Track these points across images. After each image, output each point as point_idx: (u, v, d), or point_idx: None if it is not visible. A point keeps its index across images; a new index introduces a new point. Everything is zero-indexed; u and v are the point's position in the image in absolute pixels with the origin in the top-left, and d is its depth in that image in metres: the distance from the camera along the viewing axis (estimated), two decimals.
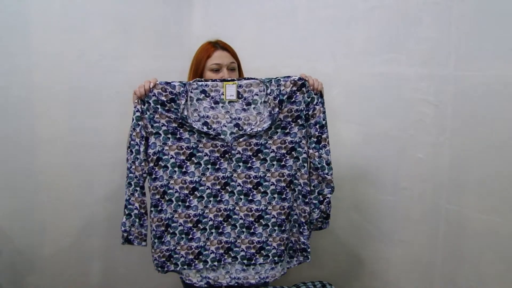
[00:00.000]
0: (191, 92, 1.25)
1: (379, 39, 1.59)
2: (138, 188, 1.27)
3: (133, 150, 1.25)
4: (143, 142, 1.24)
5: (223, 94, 1.26)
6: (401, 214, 1.65)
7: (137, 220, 1.29)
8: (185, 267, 1.30)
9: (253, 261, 1.32)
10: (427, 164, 1.55)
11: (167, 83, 1.23)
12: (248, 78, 1.27)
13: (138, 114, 1.24)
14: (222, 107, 1.27)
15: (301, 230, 1.32)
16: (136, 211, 1.28)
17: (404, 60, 1.55)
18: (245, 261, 1.32)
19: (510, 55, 1.33)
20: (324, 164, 1.29)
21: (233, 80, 1.27)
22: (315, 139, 1.28)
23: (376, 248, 1.70)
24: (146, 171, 1.27)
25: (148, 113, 1.23)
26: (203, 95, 1.26)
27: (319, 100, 1.27)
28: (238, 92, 1.26)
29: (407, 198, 1.62)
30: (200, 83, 1.25)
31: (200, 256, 1.30)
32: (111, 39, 1.71)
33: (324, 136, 1.28)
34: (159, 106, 1.23)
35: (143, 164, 1.25)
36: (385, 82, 1.61)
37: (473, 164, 1.45)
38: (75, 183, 1.69)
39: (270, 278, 1.34)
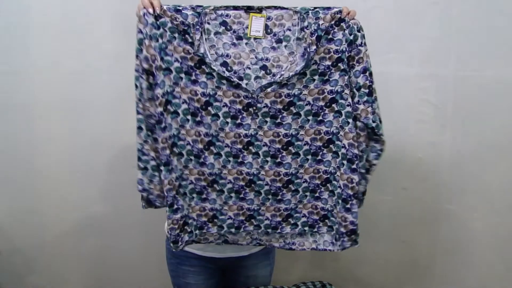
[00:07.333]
0: (208, 23, 0.99)
1: (379, 39, 1.59)
2: (150, 133, 1.00)
3: (137, 84, 0.98)
4: (144, 77, 0.97)
5: (248, 28, 1.00)
6: (401, 214, 1.65)
7: (156, 173, 1.03)
8: (197, 231, 1.07)
9: (278, 230, 1.10)
10: (427, 164, 1.55)
11: (177, 10, 0.97)
12: (279, 7, 1.00)
13: (141, 36, 0.94)
14: (246, 44, 1.01)
15: (348, 206, 1.05)
16: (153, 162, 1.02)
17: (404, 60, 1.55)
18: (269, 230, 1.10)
19: (510, 55, 1.33)
20: (378, 121, 1.03)
21: (260, 10, 0.99)
22: (366, 90, 1.00)
23: (376, 248, 1.70)
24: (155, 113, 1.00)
25: (161, 40, 0.96)
26: (223, 27, 1.00)
27: (364, 40, 1.00)
28: (266, 26, 1.00)
29: (407, 198, 1.62)
30: (219, 12, 1.00)
31: (215, 220, 1.08)
32: (111, 39, 1.71)
33: (374, 86, 1.02)
34: (176, 36, 0.97)
35: (147, 104, 0.99)
36: (385, 82, 1.60)
37: (473, 164, 1.45)
38: (75, 183, 1.69)
39: (297, 245, 1.12)
